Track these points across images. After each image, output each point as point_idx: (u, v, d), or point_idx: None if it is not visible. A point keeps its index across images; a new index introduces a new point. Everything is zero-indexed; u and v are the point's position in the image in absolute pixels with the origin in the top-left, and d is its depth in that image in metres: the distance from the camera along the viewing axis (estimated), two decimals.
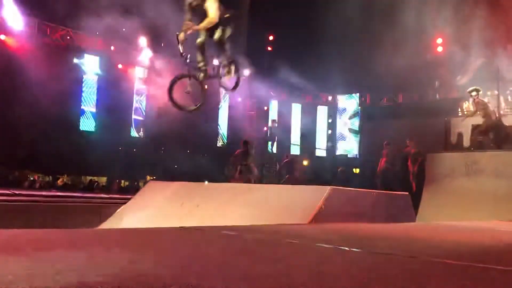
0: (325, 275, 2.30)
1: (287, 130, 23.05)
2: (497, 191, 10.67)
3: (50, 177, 18.43)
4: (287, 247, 3.51)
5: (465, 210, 10.36)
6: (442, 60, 19.60)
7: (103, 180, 20.07)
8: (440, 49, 19.82)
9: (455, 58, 18.81)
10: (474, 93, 12.59)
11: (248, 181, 12.07)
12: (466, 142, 14.39)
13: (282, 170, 16.34)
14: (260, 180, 13.86)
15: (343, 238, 4.36)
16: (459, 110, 17.50)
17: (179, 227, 4.96)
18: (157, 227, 5.47)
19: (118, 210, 8.48)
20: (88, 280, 1.87)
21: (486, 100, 13.27)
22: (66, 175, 18.12)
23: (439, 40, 19.81)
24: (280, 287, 1.93)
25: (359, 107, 23.24)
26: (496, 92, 14.95)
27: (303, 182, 14.13)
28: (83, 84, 18.89)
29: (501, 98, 14.95)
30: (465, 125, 14.92)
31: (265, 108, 24.01)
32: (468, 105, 12.78)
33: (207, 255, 2.89)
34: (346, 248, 3.54)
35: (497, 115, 12.74)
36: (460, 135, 14.80)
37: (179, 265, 2.41)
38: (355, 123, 23.64)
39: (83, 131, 18.80)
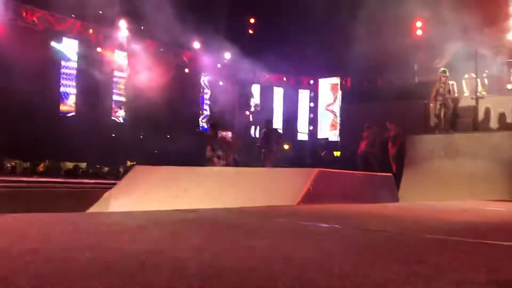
0: (326, 251, 2.39)
1: (269, 114, 23.13)
2: (474, 172, 11.00)
3: (28, 163, 18.16)
4: (277, 226, 3.60)
5: (444, 190, 10.65)
6: (421, 44, 19.86)
7: (82, 165, 19.88)
8: (419, 32, 20.05)
9: (434, 41, 19.09)
10: (447, 73, 13.07)
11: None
12: (446, 124, 14.70)
13: (261, 142, 15.82)
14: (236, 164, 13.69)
15: (334, 217, 4.48)
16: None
17: (174, 209, 5.01)
18: (147, 210, 5.50)
19: (105, 195, 8.45)
20: (99, 255, 1.93)
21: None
22: (47, 161, 17.87)
23: (419, 24, 20.02)
24: (280, 262, 2.01)
25: (340, 91, 23.42)
26: (473, 75, 15.25)
27: (278, 153, 14.13)
28: (61, 68, 18.51)
29: (478, 81, 15.27)
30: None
31: (247, 92, 24.00)
32: (437, 85, 13.09)
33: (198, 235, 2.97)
34: (338, 226, 3.66)
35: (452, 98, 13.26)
36: (438, 117, 15.10)
37: (174, 244, 2.48)
38: (336, 107, 23.85)
39: (62, 116, 18.50)
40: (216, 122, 13.74)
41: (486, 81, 16.04)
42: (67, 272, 1.66)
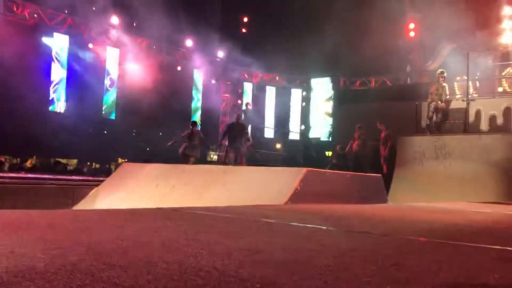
0: (305, 252, 2.35)
1: (261, 113, 23.11)
2: (464, 173, 11.03)
3: (18, 159, 17.99)
4: (263, 226, 3.56)
5: (434, 191, 10.68)
6: (414, 45, 19.92)
7: (73, 162, 19.73)
8: (412, 34, 20.10)
9: (427, 43, 19.16)
10: (445, 74, 13.09)
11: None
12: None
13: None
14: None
15: (319, 217, 4.44)
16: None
17: (156, 208, 4.95)
18: (133, 208, 5.44)
19: (91, 192, 8.37)
20: (70, 259, 1.87)
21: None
22: (35, 157, 17.71)
23: (412, 25, 20.08)
24: (259, 264, 1.96)
25: (333, 91, 23.41)
26: (465, 77, 15.30)
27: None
28: (52, 64, 18.34)
29: (470, 84, 15.33)
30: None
31: (239, 90, 23.94)
32: (437, 87, 13.08)
33: (185, 232, 2.91)
34: (323, 227, 3.62)
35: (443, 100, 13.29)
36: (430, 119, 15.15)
37: (156, 242, 2.42)
38: (329, 107, 23.84)
39: (52, 112, 18.34)
40: (195, 121, 14.01)
41: (477, 83, 16.12)
42: (25, 269, 1.60)
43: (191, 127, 13.21)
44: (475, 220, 4.88)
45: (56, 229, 2.88)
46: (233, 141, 13.04)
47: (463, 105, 13.80)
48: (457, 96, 16.56)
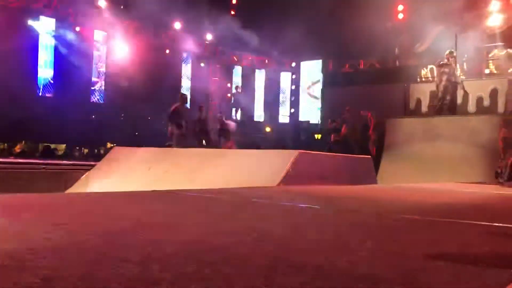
0: (303, 231, 2.42)
1: (251, 96, 23.09)
2: (453, 155, 11.21)
3: (6, 144, 17.82)
4: (258, 207, 3.62)
5: (422, 173, 10.84)
6: (403, 27, 19.94)
7: (61, 147, 19.60)
8: (401, 16, 20.12)
9: (415, 25, 19.19)
10: (455, 54, 12.63)
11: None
12: (424, 108, 14.89)
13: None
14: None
15: (312, 198, 4.52)
16: (418, 76, 18.00)
17: (151, 190, 4.99)
18: (128, 190, 5.47)
19: (83, 176, 8.37)
20: (78, 238, 1.92)
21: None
22: (23, 142, 17.55)
23: (400, 7, 20.08)
24: (259, 242, 2.02)
25: (322, 74, 23.44)
26: (446, 61, 15.39)
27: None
28: (39, 48, 18.06)
29: (457, 66, 15.45)
30: (423, 91, 15.42)
31: (229, 73, 23.85)
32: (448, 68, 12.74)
33: (184, 214, 2.97)
34: (317, 207, 3.70)
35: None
36: (418, 101, 15.29)
37: (157, 223, 2.48)
38: (318, 90, 23.90)
39: (40, 96, 18.13)
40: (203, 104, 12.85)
41: (465, 65, 16.25)
42: (36, 248, 1.65)
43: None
44: (463, 199, 5.01)
45: (56, 211, 2.92)
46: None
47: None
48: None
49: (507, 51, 16.74)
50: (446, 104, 12.63)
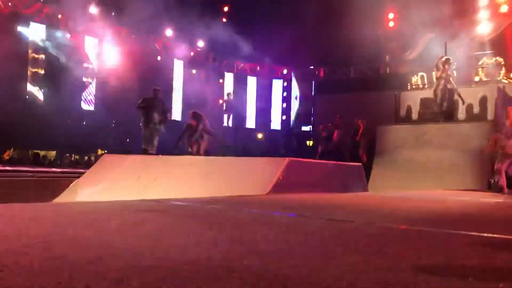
0: (290, 242, 2.39)
1: (242, 103, 23.07)
2: (443, 162, 11.25)
3: None
4: (246, 217, 3.59)
5: (413, 180, 10.86)
6: (393, 35, 20.09)
7: (52, 154, 19.42)
8: (391, 24, 20.26)
9: (405, 33, 19.34)
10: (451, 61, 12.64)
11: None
12: (415, 115, 14.96)
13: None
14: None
15: (302, 207, 4.49)
16: (408, 84, 18.12)
17: (139, 199, 4.93)
18: (116, 200, 5.41)
19: (72, 184, 8.27)
20: (57, 251, 1.87)
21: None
22: (12, 149, 17.36)
23: (391, 15, 20.23)
24: (245, 255, 1.99)
25: (313, 81, 23.52)
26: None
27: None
28: (29, 54, 17.92)
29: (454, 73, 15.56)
30: (413, 99, 15.51)
31: (220, 81, 23.83)
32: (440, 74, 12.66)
33: (170, 224, 2.92)
34: (306, 216, 3.67)
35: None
36: (409, 108, 15.37)
37: (141, 235, 2.43)
38: (309, 97, 23.95)
39: (30, 103, 17.95)
40: (197, 112, 12.03)
41: (455, 73, 16.38)
42: (10, 264, 1.60)
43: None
44: (452, 208, 5.01)
45: (39, 222, 2.86)
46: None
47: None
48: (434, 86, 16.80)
49: (496, 58, 16.93)
50: (444, 111, 12.63)
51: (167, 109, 11.19)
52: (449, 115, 12.78)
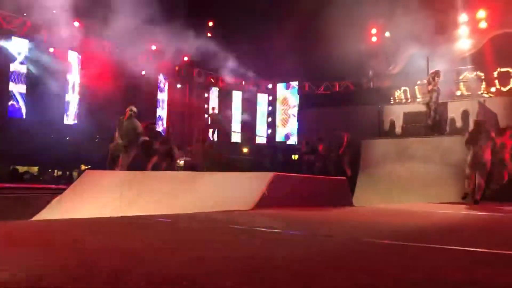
0: (274, 259, 2.36)
1: (228, 117, 23.09)
2: (426, 175, 11.33)
3: None
4: (230, 233, 3.54)
5: (397, 193, 10.91)
6: (376, 50, 20.37)
7: (34, 169, 19.11)
8: (374, 39, 20.56)
9: (388, 48, 19.64)
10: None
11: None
12: (398, 129, 15.10)
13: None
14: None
15: (287, 222, 4.46)
16: (392, 98, 18.34)
17: (121, 216, 4.86)
18: (96, 217, 5.32)
19: (53, 201, 8.12)
20: (34, 272, 1.81)
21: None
22: None
23: (374, 30, 20.53)
24: (228, 272, 1.95)
25: (298, 95, 23.68)
26: (425, 81, 15.74)
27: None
28: (11, 68, 17.71)
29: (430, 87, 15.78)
30: (396, 113, 15.67)
31: (205, 95, 23.83)
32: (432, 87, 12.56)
33: (151, 241, 2.87)
34: (291, 232, 3.64)
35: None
36: (392, 122, 15.52)
37: (120, 253, 2.37)
38: (294, 111, 24.09)
39: (11, 118, 17.71)
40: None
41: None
42: None
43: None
44: (436, 222, 5.02)
45: (13, 242, 2.78)
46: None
47: (423, 108, 14.18)
48: (417, 100, 17.05)
49: (477, 73, 17.26)
50: (437, 124, 12.61)
51: (141, 133, 10.64)
52: (441, 128, 12.84)
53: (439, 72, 12.67)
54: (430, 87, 12.52)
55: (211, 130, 17.80)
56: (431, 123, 12.70)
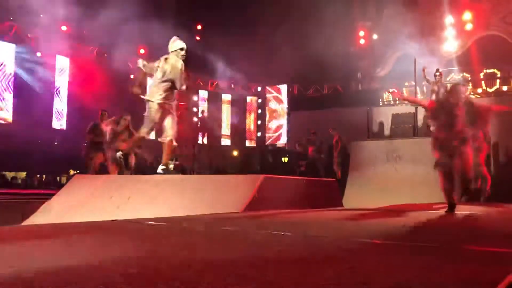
0: (262, 259, 2.37)
1: (217, 121, 23.08)
2: (415, 176, 11.43)
3: None
4: (220, 235, 3.55)
5: (386, 195, 10.99)
6: (364, 52, 20.53)
7: (22, 175, 18.94)
8: (362, 41, 20.71)
9: (376, 50, 19.80)
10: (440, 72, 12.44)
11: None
12: (387, 130, 15.22)
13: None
14: None
15: (276, 223, 4.48)
16: (380, 100, 18.48)
17: (111, 220, 4.83)
18: (87, 221, 5.29)
19: (42, 206, 8.05)
20: (25, 275, 1.80)
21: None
22: None
23: (362, 33, 20.68)
24: (219, 275, 1.96)
25: (287, 98, 23.77)
26: (413, 83, 15.93)
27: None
28: None
29: (418, 89, 15.98)
30: (385, 114, 15.80)
31: (195, 98, 23.81)
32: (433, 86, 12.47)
33: (142, 245, 2.87)
34: (280, 233, 3.65)
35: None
36: (381, 124, 15.65)
37: (111, 256, 2.37)
38: (283, 114, 24.15)
39: None
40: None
41: (425, 88, 16.80)
42: None
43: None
44: (426, 221, 5.07)
45: (5, 247, 2.76)
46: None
47: (412, 109, 14.33)
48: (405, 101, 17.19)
49: (463, 74, 17.46)
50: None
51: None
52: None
53: (438, 70, 12.64)
54: (434, 87, 12.33)
55: (200, 134, 17.78)
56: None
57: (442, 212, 6.24)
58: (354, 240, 3.27)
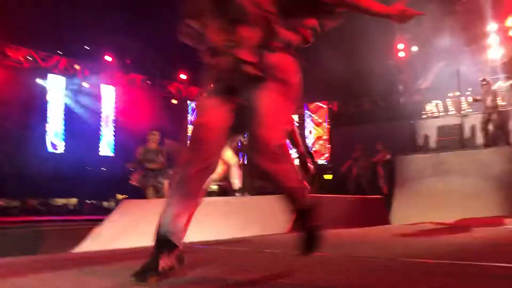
0: (313, 283, 2.35)
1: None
2: (464, 189, 11.02)
3: (18, 201, 17.88)
4: (268, 258, 3.55)
5: (435, 209, 10.63)
6: (404, 65, 20.19)
7: (73, 201, 19.64)
8: (402, 54, 20.39)
9: (416, 62, 19.45)
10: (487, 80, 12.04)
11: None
12: (432, 143, 14.83)
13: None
14: None
15: (324, 244, 4.42)
16: (423, 112, 18.05)
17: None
18: (140, 246, 5.40)
19: (93, 231, 8.28)
20: None
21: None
22: (33, 199, 17.61)
23: (401, 46, 20.37)
24: None
25: (327, 114, 23.62)
26: (457, 93, 15.51)
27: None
28: (48, 105, 18.46)
29: (462, 99, 15.54)
30: (430, 127, 15.42)
31: None
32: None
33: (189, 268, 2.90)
34: (328, 254, 3.61)
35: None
36: (426, 137, 15.26)
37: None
38: (324, 131, 24.00)
39: (50, 152, 18.35)
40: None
41: (470, 99, 16.30)
42: None
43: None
44: (478, 238, 4.88)
45: (62, 274, 2.87)
46: None
47: (457, 121, 13.92)
48: (450, 113, 16.72)
49: (511, 82, 16.83)
50: (491, 136, 12.10)
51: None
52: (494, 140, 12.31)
53: (485, 79, 12.25)
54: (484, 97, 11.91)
55: (241, 154, 17.88)
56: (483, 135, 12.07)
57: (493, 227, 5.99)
58: (404, 260, 3.18)
